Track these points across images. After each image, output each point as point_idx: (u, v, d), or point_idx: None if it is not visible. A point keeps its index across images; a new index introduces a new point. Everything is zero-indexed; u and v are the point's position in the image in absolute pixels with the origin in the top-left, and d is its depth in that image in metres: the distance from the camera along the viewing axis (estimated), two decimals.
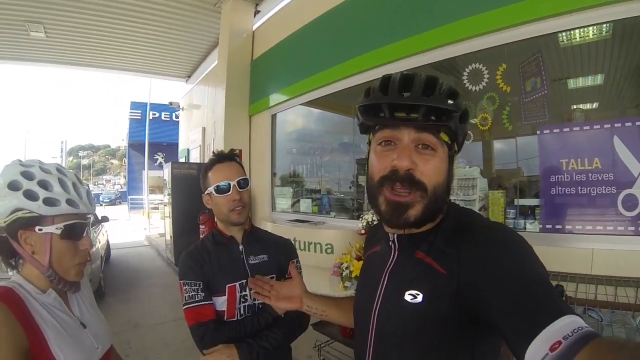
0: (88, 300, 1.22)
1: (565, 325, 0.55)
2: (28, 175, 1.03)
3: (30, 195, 1.00)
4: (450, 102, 0.78)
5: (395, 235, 0.90)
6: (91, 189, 1.28)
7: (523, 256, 0.72)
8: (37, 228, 1.01)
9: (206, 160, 1.63)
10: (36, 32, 7.62)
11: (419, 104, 0.77)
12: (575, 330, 0.54)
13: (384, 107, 0.79)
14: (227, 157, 1.56)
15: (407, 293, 0.82)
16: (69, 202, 1.05)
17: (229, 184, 1.49)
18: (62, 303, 1.08)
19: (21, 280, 1.03)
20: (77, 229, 1.08)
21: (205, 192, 1.55)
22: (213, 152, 1.60)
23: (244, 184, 1.53)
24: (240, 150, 6.56)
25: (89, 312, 1.18)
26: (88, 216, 1.14)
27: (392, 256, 0.91)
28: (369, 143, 0.90)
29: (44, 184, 1.03)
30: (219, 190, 1.49)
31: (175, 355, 3.84)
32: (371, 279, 0.95)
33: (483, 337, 0.77)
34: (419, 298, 0.80)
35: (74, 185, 1.09)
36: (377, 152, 0.84)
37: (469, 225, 0.82)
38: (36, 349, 0.94)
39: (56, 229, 1.03)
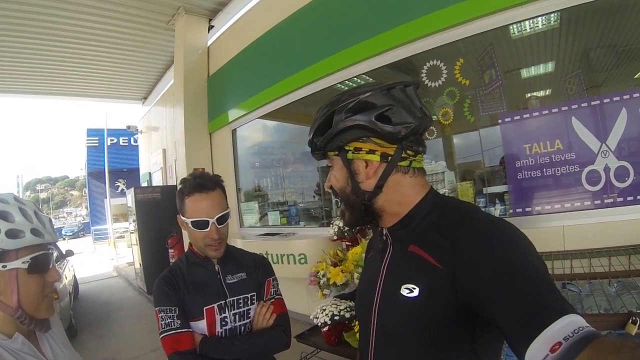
0: (60, 339, 1.10)
1: (565, 326, 0.55)
2: None
3: None
4: (315, 133, 0.93)
5: (386, 229, 0.93)
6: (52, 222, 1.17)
7: (521, 253, 0.72)
8: (0, 265, 0.90)
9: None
10: None
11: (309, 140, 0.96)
12: (576, 331, 0.54)
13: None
14: (209, 187, 1.41)
15: (403, 287, 0.82)
16: (34, 231, 0.94)
17: (208, 221, 1.38)
18: (32, 347, 0.96)
19: None
20: (44, 261, 0.98)
21: (181, 217, 1.44)
22: (194, 171, 1.48)
23: (225, 217, 1.44)
24: (203, 169, 6.44)
25: (62, 353, 1.07)
26: (51, 246, 1.04)
27: (388, 251, 0.92)
28: None
29: (3, 215, 0.92)
30: (196, 225, 1.39)
31: None
32: (370, 277, 0.96)
33: (483, 328, 0.76)
34: (416, 292, 0.80)
35: (35, 213, 0.99)
36: None
37: (466, 219, 0.82)
38: None
39: (22, 263, 0.92)
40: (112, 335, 5.55)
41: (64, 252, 7.21)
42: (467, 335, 0.77)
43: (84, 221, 36.73)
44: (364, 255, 2.69)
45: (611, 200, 2.47)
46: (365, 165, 0.88)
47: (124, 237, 14.32)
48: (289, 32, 4.90)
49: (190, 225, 1.40)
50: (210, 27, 6.90)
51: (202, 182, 1.42)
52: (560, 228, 2.52)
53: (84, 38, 7.14)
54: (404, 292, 0.81)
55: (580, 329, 0.54)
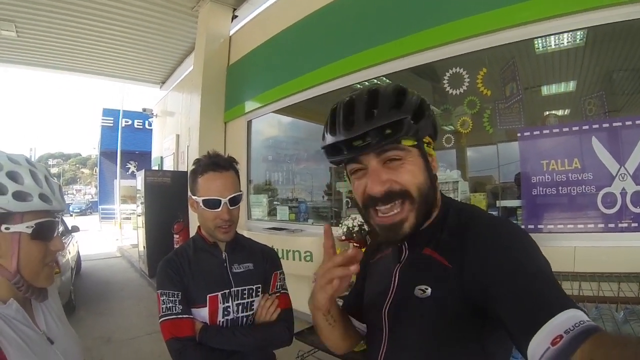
0: (56, 312, 1.07)
1: (566, 320, 0.55)
2: None
3: None
4: (396, 110, 0.78)
5: None
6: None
7: (525, 250, 0.73)
8: (3, 227, 0.87)
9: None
10: (7, 30, 7.28)
11: (365, 131, 0.77)
12: (577, 325, 0.54)
13: (340, 145, 0.81)
14: (224, 166, 1.39)
15: (416, 288, 0.83)
16: (42, 197, 0.91)
17: (220, 200, 1.35)
18: (26, 315, 0.93)
19: None
20: (49, 228, 0.95)
21: (192, 197, 1.42)
22: (208, 152, 1.45)
23: (237, 199, 1.40)
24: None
25: (56, 326, 1.03)
26: (58, 214, 1.00)
27: (403, 255, 0.92)
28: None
29: (13, 176, 0.89)
30: (207, 204, 1.36)
31: None
32: (381, 281, 0.95)
33: (493, 326, 0.76)
34: (428, 292, 0.81)
35: (46, 178, 0.95)
36: (353, 181, 0.87)
37: (472, 219, 0.83)
38: None
39: (26, 227, 0.89)
40: (110, 315, 5.60)
41: (70, 228, 7.29)
42: (478, 333, 0.77)
43: (93, 199, 36.99)
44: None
45: (625, 224, 2.42)
46: (431, 159, 0.86)
47: (130, 219, 14.41)
48: (312, 27, 4.88)
49: (201, 204, 1.37)
50: (234, 17, 6.90)
51: (217, 161, 1.40)
52: (571, 248, 2.47)
53: (108, 17, 7.18)
54: (417, 292, 0.82)
55: (582, 322, 0.54)
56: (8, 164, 0.90)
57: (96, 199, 29.44)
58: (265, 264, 1.53)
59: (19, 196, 0.88)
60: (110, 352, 4.22)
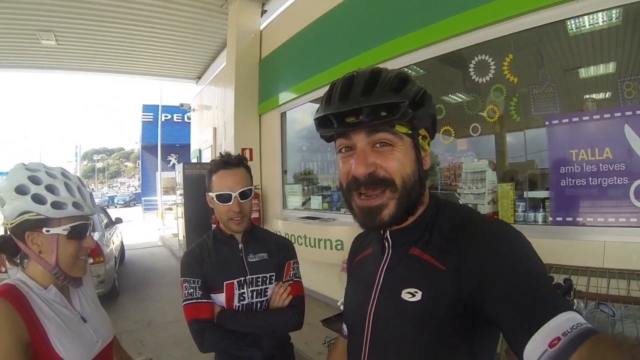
0: (90, 296, 1.27)
1: (564, 322, 0.55)
2: (35, 180, 1.08)
3: (38, 199, 1.06)
4: (395, 93, 0.76)
5: (389, 232, 0.89)
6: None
7: (521, 252, 0.72)
8: (44, 229, 1.08)
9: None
10: (47, 40, 7.74)
11: (359, 106, 0.75)
12: (575, 327, 0.53)
13: (331, 117, 0.79)
14: (233, 163, 1.53)
15: (404, 291, 0.81)
16: (75, 205, 1.12)
17: (231, 195, 1.48)
18: (63, 298, 1.14)
19: (24, 278, 1.09)
20: (81, 230, 1.16)
21: (208, 194, 1.55)
22: (221, 153, 1.59)
23: (247, 193, 1.53)
24: (251, 150, 6.59)
25: (90, 307, 1.23)
26: (90, 217, 1.20)
27: (386, 254, 0.90)
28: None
29: (51, 189, 1.09)
30: (220, 198, 1.49)
31: (187, 353, 3.87)
32: (364, 281, 0.93)
33: (482, 332, 0.77)
34: (418, 296, 0.78)
35: (79, 188, 1.16)
36: (340, 159, 0.85)
37: (467, 221, 0.82)
38: (37, 343, 1.00)
39: (63, 230, 1.10)
40: (151, 300, 5.91)
41: (114, 219, 7.65)
42: (468, 336, 0.76)
43: (136, 191, 38.39)
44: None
45: None
46: (424, 154, 0.84)
47: (171, 210, 14.94)
48: (341, 19, 4.88)
49: (215, 199, 1.50)
50: (264, 12, 7.00)
51: (228, 159, 1.54)
52: (600, 243, 2.35)
53: (142, 20, 7.48)
54: (406, 296, 0.80)
55: (579, 325, 0.54)
56: (47, 179, 1.10)
57: (139, 191, 30.57)
58: (279, 254, 1.64)
59: (56, 205, 1.09)
60: (150, 335, 4.48)
